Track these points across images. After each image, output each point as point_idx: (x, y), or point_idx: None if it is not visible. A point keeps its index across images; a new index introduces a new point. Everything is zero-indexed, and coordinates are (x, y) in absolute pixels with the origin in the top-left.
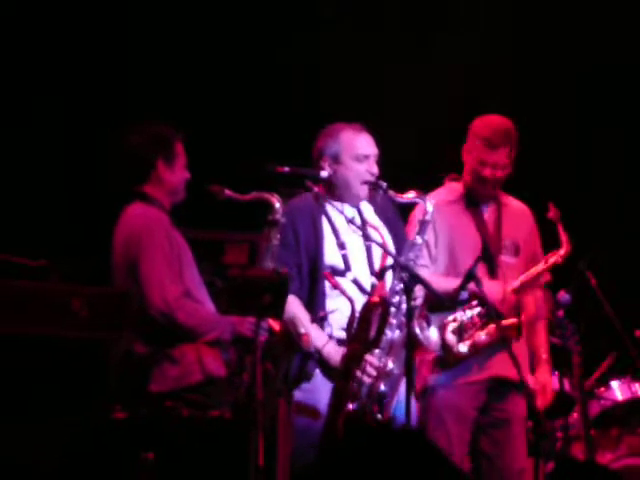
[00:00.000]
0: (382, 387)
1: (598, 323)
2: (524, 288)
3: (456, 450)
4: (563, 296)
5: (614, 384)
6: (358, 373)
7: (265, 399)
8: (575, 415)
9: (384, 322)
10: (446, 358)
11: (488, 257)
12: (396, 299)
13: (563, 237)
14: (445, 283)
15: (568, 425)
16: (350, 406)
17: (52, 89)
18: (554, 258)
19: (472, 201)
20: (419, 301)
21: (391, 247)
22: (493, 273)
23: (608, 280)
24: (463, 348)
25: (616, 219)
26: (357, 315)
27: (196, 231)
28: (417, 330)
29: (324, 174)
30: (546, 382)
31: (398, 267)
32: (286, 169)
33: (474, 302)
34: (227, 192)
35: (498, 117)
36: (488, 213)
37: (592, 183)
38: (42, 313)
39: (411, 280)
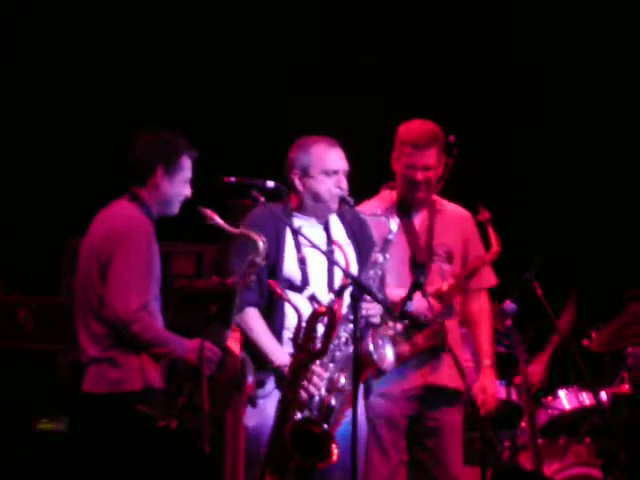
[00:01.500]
0: (333, 401)
1: (544, 332)
2: (448, 295)
3: (391, 457)
4: (509, 305)
5: (561, 393)
6: (305, 384)
7: (212, 411)
8: (523, 424)
9: (331, 332)
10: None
11: (417, 265)
12: (351, 316)
13: (493, 238)
14: (390, 294)
15: (516, 434)
16: (298, 415)
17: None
18: (478, 262)
19: (403, 209)
20: (377, 319)
21: (354, 263)
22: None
23: (554, 289)
24: (389, 361)
25: (564, 227)
26: (303, 325)
27: None
28: (371, 347)
29: (270, 184)
30: (486, 387)
31: (349, 280)
32: (232, 179)
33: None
34: (217, 219)
35: (422, 120)
36: (420, 220)
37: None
38: None
39: (358, 290)
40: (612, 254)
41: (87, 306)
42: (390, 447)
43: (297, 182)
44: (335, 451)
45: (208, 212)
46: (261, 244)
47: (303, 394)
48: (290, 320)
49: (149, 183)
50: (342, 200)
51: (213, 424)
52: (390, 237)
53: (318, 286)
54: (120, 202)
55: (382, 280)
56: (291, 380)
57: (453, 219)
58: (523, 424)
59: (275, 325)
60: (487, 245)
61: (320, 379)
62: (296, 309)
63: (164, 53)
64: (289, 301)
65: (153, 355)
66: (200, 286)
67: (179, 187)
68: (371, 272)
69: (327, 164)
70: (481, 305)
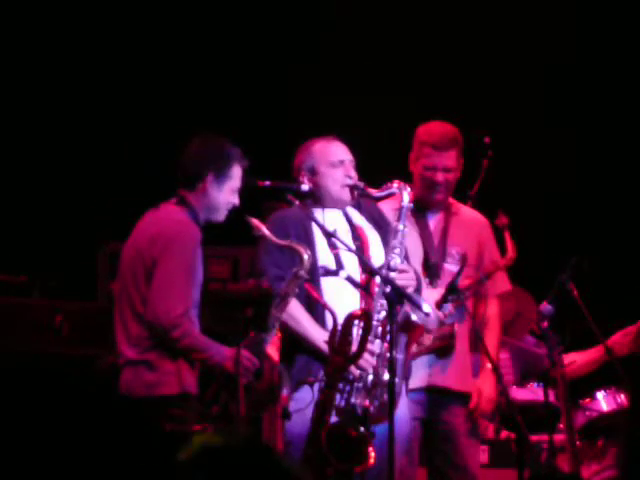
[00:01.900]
0: (385, 376)
1: (582, 334)
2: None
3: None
4: (545, 307)
5: (599, 395)
6: (361, 362)
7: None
8: (561, 426)
9: (366, 335)
10: None
11: (430, 265)
12: (382, 311)
13: (509, 244)
14: (425, 294)
15: (553, 436)
16: (333, 419)
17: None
18: (492, 267)
19: (419, 209)
20: (411, 289)
21: (380, 247)
22: (435, 282)
23: (590, 290)
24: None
25: (598, 230)
26: (339, 327)
27: None
28: (412, 315)
29: (305, 187)
30: (483, 390)
31: (381, 280)
32: (267, 183)
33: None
34: (264, 230)
35: (442, 123)
36: (435, 221)
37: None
38: (24, 330)
39: (394, 293)
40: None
41: (128, 307)
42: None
43: (308, 184)
44: (372, 454)
45: (255, 222)
46: (306, 257)
47: (355, 372)
48: (330, 322)
49: (198, 188)
50: (353, 187)
51: (249, 428)
52: (404, 205)
53: (352, 268)
54: (168, 205)
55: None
56: (327, 384)
57: (469, 223)
58: (561, 426)
59: (315, 314)
60: (503, 250)
61: (372, 355)
62: (331, 312)
63: (168, 56)
64: (325, 305)
65: (190, 360)
66: (235, 290)
67: (227, 195)
68: (394, 241)
69: (331, 157)
70: (492, 311)
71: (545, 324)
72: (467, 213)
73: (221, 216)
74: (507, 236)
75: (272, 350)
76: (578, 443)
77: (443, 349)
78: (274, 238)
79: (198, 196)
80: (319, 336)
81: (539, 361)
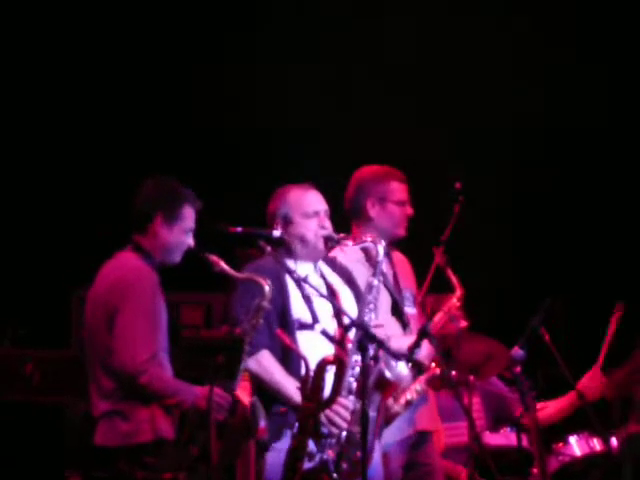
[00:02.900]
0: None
1: (554, 379)
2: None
3: None
4: (517, 352)
5: (572, 439)
6: (334, 418)
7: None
8: (534, 471)
9: (339, 381)
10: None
11: (400, 312)
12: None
13: (454, 281)
14: (398, 341)
15: None
16: (306, 465)
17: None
18: (451, 303)
19: (370, 257)
20: (383, 335)
21: (352, 303)
22: (405, 327)
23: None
24: (399, 407)
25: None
26: (311, 374)
27: None
28: (386, 372)
29: (276, 234)
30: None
31: (356, 327)
32: (239, 229)
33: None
34: (223, 265)
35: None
36: (386, 266)
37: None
38: None
39: (366, 339)
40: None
41: (96, 360)
42: None
43: (281, 231)
44: None
45: (214, 258)
46: (267, 288)
47: (332, 430)
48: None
49: (149, 231)
50: (327, 239)
51: (224, 474)
52: (379, 259)
53: (326, 322)
54: (123, 253)
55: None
56: (299, 430)
57: (404, 263)
58: (534, 470)
59: (291, 374)
60: (448, 289)
61: (346, 411)
62: (303, 358)
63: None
64: (296, 351)
65: (164, 406)
66: (207, 336)
67: (179, 236)
68: (369, 296)
69: (306, 207)
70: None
71: (517, 369)
72: (397, 254)
73: (176, 258)
74: (450, 274)
75: (242, 393)
76: None
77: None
78: (233, 272)
79: (150, 239)
80: (292, 387)
81: (511, 405)
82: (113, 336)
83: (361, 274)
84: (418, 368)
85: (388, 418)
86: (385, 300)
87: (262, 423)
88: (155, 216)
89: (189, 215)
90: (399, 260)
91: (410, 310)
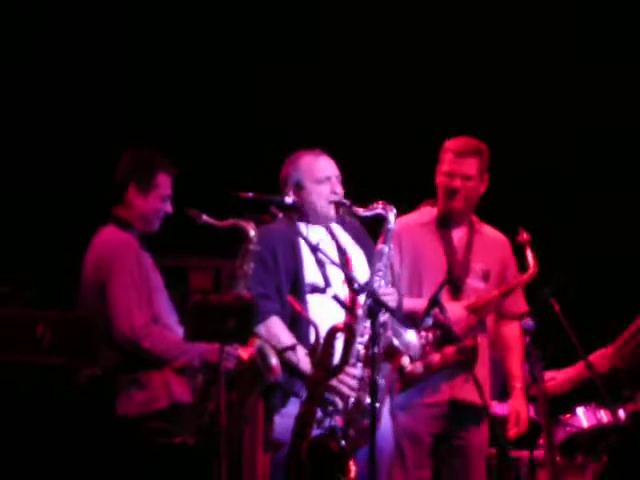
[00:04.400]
0: (367, 400)
1: (563, 350)
2: (482, 310)
3: (411, 475)
4: (526, 322)
5: (579, 411)
6: (341, 387)
7: (229, 427)
8: (541, 441)
9: (349, 349)
10: (402, 379)
11: (453, 279)
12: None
13: (531, 261)
14: (410, 304)
15: (533, 451)
16: (315, 432)
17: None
18: (515, 282)
19: (443, 224)
20: (393, 303)
21: (364, 266)
22: (457, 296)
23: (572, 306)
24: (418, 368)
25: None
26: (321, 341)
27: (159, 257)
28: (394, 340)
29: (288, 200)
30: (520, 410)
31: (364, 292)
32: (250, 195)
33: (431, 324)
34: (204, 217)
35: (468, 136)
36: (459, 237)
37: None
38: (6, 339)
39: (376, 305)
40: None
41: (102, 334)
42: (411, 464)
43: (293, 197)
44: (353, 468)
45: (194, 212)
46: (252, 232)
47: (340, 397)
48: (313, 336)
49: (125, 202)
50: (338, 204)
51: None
52: (389, 226)
53: (338, 286)
54: (103, 229)
55: (392, 270)
56: (308, 397)
57: (492, 241)
58: (541, 441)
59: (300, 340)
60: (523, 266)
61: (353, 379)
62: (314, 325)
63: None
64: (307, 318)
65: (175, 369)
66: (217, 300)
67: (155, 204)
68: (379, 264)
69: (317, 173)
70: (515, 332)
71: (527, 340)
72: (489, 231)
73: (154, 225)
74: (528, 252)
75: (243, 352)
76: (558, 459)
77: (465, 363)
78: (216, 222)
79: (126, 209)
80: (300, 354)
81: None
82: (108, 310)
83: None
84: (444, 333)
85: (408, 379)
86: (441, 265)
87: (273, 361)
88: (129, 186)
89: (164, 182)
90: (487, 237)
91: (475, 283)
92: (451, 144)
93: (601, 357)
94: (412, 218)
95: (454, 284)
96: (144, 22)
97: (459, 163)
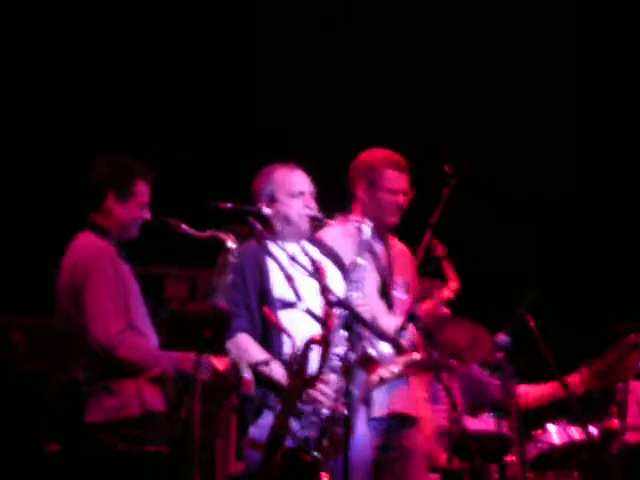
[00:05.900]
0: (345, 410)
1: (536, 366)
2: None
3: None
4: (502, 338)
5: (551, 427)
6: (318, 396)
7: (203, 437)
8: (512, 457)
9: (324, 360)
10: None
11: (387, 293)
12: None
13: (451, 273)
14: (386, 322)
15: (505, 467)
16: (288, 443)
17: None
18: (446, 293)
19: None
20: (368, 315)
21: (339, 281)
22: (390, 309)
23: (547, 323)
24: (371, 382)
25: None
26: (298, 352)
27: (136, 265)
28: (369, 350)
29: (267, 211)
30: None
31: (341, 305)
32: (228, 205)
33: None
34: (184, 227)
35: (384, 148)
36: (380, 250)
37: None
38: None
39: (351, 318)
40: (600, 288)
41: (77, 342)
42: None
43: (266, 210)
44: (325, 479)
45: (173, 221)
46: (230, 243)
47: (310, 407)
48: (287, 347)
49: (103, 209)
50: (312, 219)
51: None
52: (364, 238)
53: (311, 300)
54: (80, 235)
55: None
56: (283, 408)
57: (404, 254)
58: (510, 457)
59: (273, 353)
60: (444, 281)
61: (329, 387)
62: (290, 336)
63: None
64: (283, 329)
65: (151, 379)
66: (193, 309)
67: (134, 211)
68: (355, 275)
69: (291, 187)
70: None
71: (500, 355)
72: (397, 244)
73: (132, 232)
74: (447, 267)
75: (217, 361)
76: (529, 475)
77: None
78: (195, 232)
79: (105, 216)
80: (274, 366)
81: (489, 390)
82: (83, 317)
83: (351, 252)
84: (398, 349)
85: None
86: (373, 280)
87: (246, 375)
88: (107, 194)
89: (142, 190)
90: (399, 249)
91: (400, 295)
92: (386, 158)
93: (577, 379)
94: (337, 231)
95: (387, 297)
96: (131, 25)
97: (402, 179)
